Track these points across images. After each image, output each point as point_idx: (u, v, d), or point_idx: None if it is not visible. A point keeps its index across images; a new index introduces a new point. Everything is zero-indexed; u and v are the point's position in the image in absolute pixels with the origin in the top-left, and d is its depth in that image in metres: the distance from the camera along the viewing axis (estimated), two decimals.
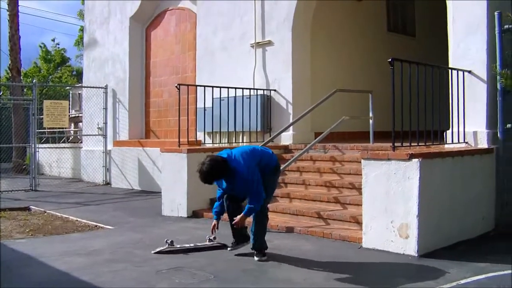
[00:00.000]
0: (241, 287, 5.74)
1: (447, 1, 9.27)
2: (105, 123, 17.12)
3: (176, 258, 6.97)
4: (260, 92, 12.09)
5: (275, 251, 7.12)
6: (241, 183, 6.57)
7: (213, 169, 6.50)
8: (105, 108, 17.12)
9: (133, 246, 7.75)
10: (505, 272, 6.05)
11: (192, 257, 7.00)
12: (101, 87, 17.28)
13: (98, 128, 17.41)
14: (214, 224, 7.15)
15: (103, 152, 17.08)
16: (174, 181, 10.34)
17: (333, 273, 6.14)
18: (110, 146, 16.84)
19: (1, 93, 32.12)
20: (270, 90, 12.14)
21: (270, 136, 11.11)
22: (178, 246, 7.45)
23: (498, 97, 8.38)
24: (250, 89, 12.05)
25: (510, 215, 8.47)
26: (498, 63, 8.35)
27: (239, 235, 7.17)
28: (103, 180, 16.99)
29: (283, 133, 11.03)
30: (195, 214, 10.07)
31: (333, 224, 8.30)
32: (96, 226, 9.62)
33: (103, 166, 17.07)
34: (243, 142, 11.94)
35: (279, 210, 9.13)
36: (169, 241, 7.40)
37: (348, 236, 7.66)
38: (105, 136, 17.09)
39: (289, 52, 11.93)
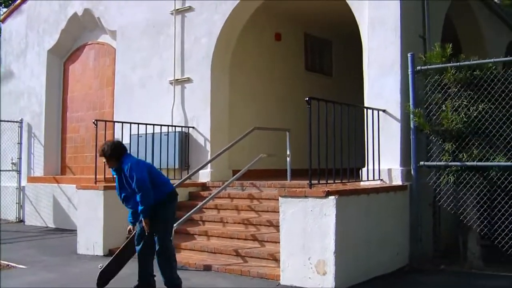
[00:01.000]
0: None
1: (362, 43, 9.55)
2: (20, 158, 16.61)
3: None
4: (178, 129, 12.03)
5: None
6: (129, 178, 6.81)
7: (115, 144, 7.08)
8: (20, 143, 16.61)
9: (46, 286, 7.49)
10: None
11: None
12: (16, 121, 16.80)
13: (12, 163, 16.87)
14: (129, 229, 7.29)
15: (16, 189, 16.52)
16: (90, 218, 10.12)
17: None
18: (24, 182, 16.35)
19: None
20: (189, 127, 12.11)
21: (188, 173, 11.04)
22: None
23: (411, 135, 8.65)
24: (168, 126, 11.97)
25: (423, 251, 8.69)
26: (411, 102, 8.65)
27: (143, 280, 7.10)
28: (16, 217, 16.40)
29: (201, 171, 10.99)
30: (111, 253, 9.79)
31: (251, 261, 8.28)
32: (8, 265, 9.23)
33: (16, 203, 16.48)
34: None
35: (197, 248, 9.05)
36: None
37: (266, 273, 7.66)
38: (19, 171, 16.58)
39: (208, 89, 11.96)
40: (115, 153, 7.02)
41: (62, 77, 16.29)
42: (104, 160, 7.16)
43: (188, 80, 12.39)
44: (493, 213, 7.98)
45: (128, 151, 7.09)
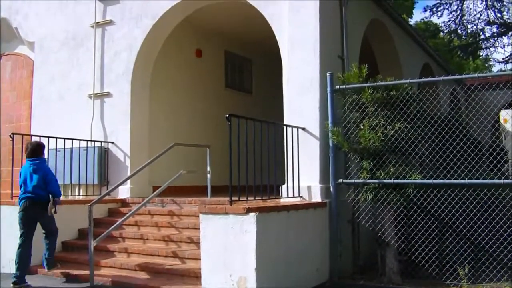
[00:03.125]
0: None
1: (282, 61, 9.70)
2: None
3: None
4: (97, 144, 11.87)
5: None
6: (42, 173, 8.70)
7: (40, 144, 9.11)
8: None
9: None
10: None
11: None
12: None
13: None
14: None
15: None
16: (6, 235, 9.78)
17: None
18: None
19: None
20: (108, 142, 11.96)
21: (107, 189, 10.88)
22: None
23: (330, 153, 8.82)
24: (87, 140, 11.80)
25: (343, 266, 8.87)
26: (329, 120, 8.84)
27: None
28: None
29: (121, 187, 10.84)
30: (28, 271, 9.52)
31: (172, 278, 8.19)
32: None
33: None
34: (79, 195, 11.65)
35: (117, 265, 8.92)
36: None
37: None
38: None
39: (128, 104, 11.87)
40: (40, 149, 8.97)
41: None
42: None
43: (108, 94, 12.27)
44: (410, 229, 8.23)
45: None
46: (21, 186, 8.77)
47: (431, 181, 7.89)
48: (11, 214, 9.70)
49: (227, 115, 7.50)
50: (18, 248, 8.48)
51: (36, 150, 8.94)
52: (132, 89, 11.90)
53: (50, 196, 8.64)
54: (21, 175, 8.81)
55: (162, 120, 13.14)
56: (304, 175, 8.99)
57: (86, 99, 12.58)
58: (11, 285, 8.28)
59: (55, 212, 8.68)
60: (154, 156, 10.46)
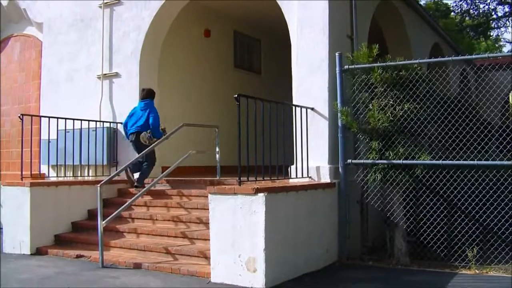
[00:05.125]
0: None
1: (291, 41, 9.66)
2: None
3: None
4: (106, 124, 11.89)
5: None
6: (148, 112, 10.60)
7: (151, 89, 10.89)
8: None
9: None
10: None
11: None
12: None
13: None
14: None
15: None
16: (16, 216, 9.84)
17: None
18: None
19: None
20: (117, 122, 11.98)
21: (116, 169, 10.90)
22: None
23: (339, 133, 8.81)
24: (96, 121, 11.82)
25: (352, 247, 8.89)
26: (338, 101, 8.80)
27: None
28: None
29: None
30: (39, 251, 9.61)
31: (181, 259, 8.25)
32: None
33: None
34: (88, 176, 11.68)
35: (126, 246, 8.97)
36: None
37: (197, 271, 7.64)
38: None
39: (136, 85, 11.85)
40: (153, 94, 10.85)
41: None
42: None
43: (116, 75, 12.27)
44: (419, 210, 8.23)
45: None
46: (127, 123, 10.93)
47: (440, 161, 7.89)
48: (22, 195, 9.77)
49: (236, 95, 7.50)
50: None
51: (148, 93, 10.83)
52: (141, 69, 11.89)
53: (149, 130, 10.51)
54: (132, 113, 10.90)
55: (170, 101, 13.11)
56: (313, 156, 8.99)
57: (95, 80, 12.59)
58: (134, 188, 10.49)
59: (149, 143, 10.38)
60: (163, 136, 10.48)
